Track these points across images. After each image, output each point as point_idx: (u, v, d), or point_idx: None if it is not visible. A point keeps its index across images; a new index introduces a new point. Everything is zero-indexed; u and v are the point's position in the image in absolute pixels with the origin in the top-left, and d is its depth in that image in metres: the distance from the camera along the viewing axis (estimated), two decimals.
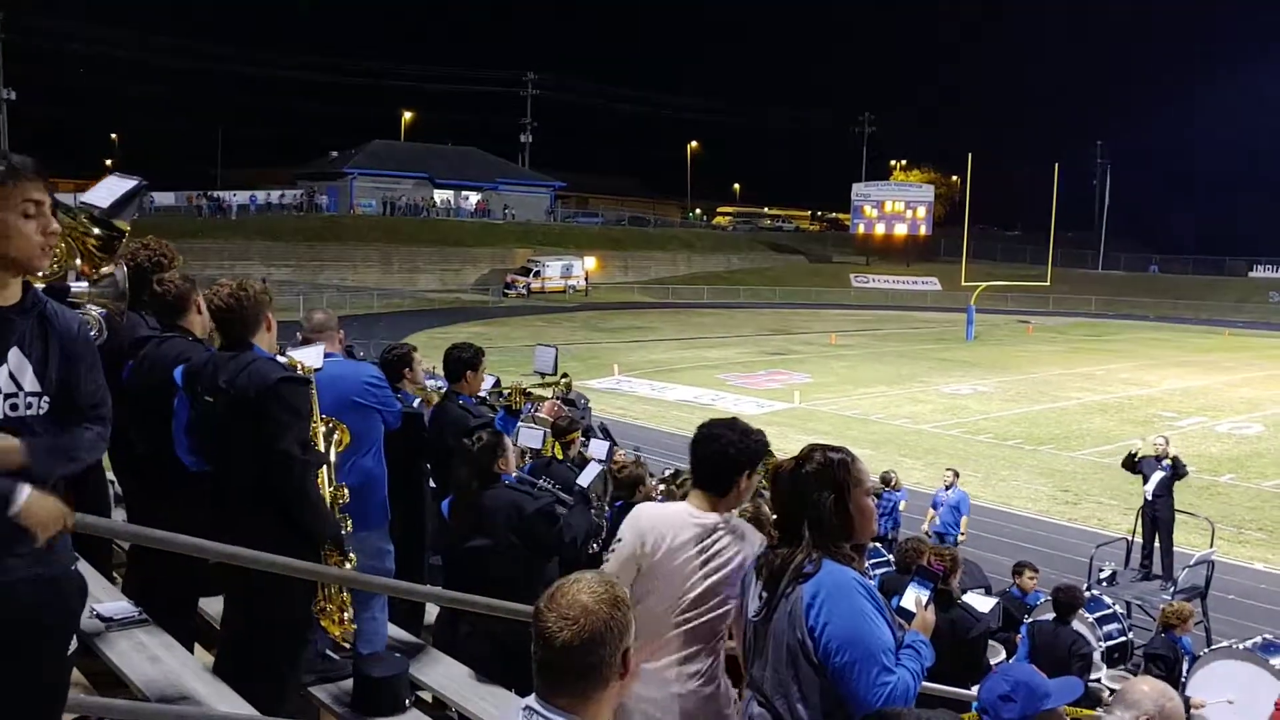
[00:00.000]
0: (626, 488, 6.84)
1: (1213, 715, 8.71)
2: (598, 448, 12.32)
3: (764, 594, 3.10)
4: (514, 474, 5.39)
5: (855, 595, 2.92)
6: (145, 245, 4.71)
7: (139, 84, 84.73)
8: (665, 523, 3.40)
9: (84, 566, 4.71)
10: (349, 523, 4.27)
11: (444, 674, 4.88)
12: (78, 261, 3.04)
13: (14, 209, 2.57)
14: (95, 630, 4.25)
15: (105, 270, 3.37)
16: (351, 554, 4.17)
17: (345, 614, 4.20)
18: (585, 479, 6.82)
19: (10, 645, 2.61)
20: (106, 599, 4.55)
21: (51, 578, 2.71)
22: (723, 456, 3.41)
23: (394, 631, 5.31)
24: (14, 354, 2.61)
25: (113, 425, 4.48)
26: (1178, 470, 13.83)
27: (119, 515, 5.29)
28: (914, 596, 3.17)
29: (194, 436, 4.11)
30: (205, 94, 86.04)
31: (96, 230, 3.03)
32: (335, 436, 4.40)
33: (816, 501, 3.01)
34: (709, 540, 3.35)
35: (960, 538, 14.53)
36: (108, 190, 3.11)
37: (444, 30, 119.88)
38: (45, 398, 2.68)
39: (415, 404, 6.16)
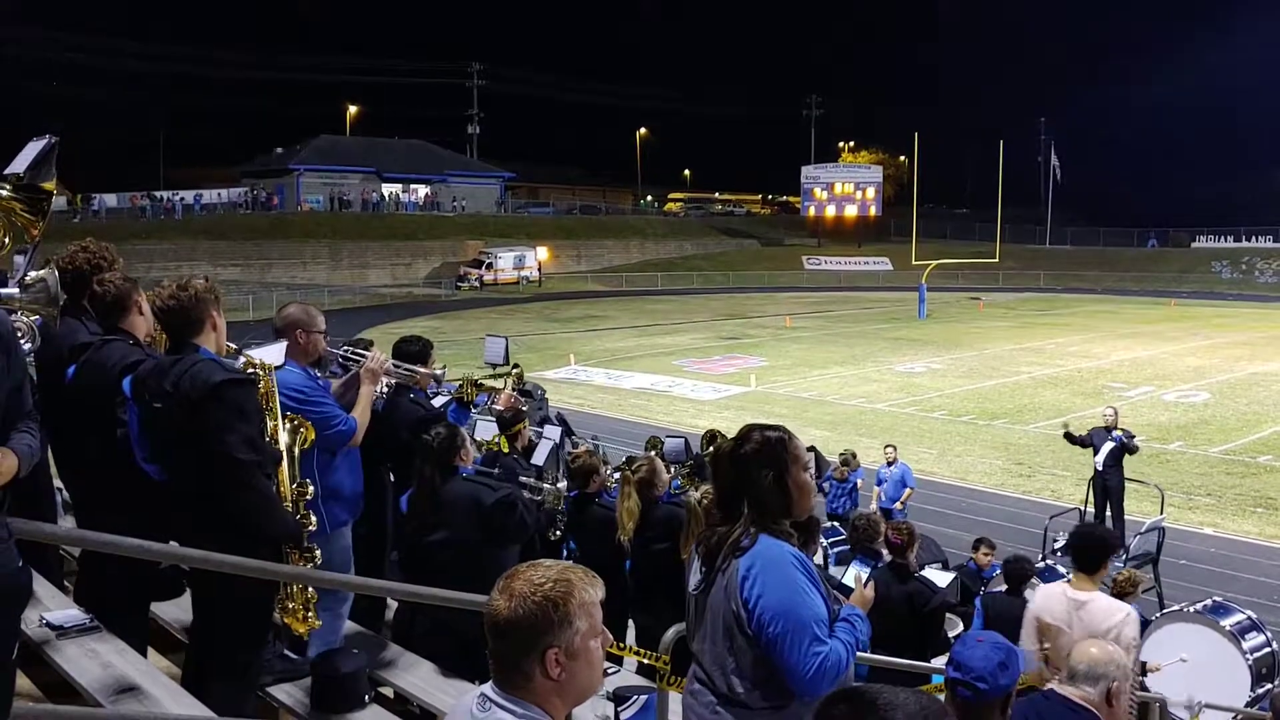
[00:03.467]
0: (580, 478, 6.83)
1: (1168, 674, 8.87)
2: (551, 432, 12.28)
3: (703, 569, 3.18)
4: (471, 466, 5.36)
5: (789, 568, 2.98)
6: (84, 248, 4.63)
7: (76, 85, 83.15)
8: (1052, 601, 4.92)
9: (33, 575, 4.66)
10: (313, 519, 4.20)
11: (404, 669, 4.86)
12: (6, 240, 3.00)
13: None
14: (45, 639, 4.18)
15: (36, 275, 3.31)
16: (317, 552, 4.12)
17: (310, 612, 4.15)
18: (539, 457, 6.81)
19: None
20: (56, 607, 4.49)
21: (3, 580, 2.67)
22: (1100, 545, 4.91)
23: (353, 628, 5.28)
24: None
25: (60, 431, 4.44)
26: (1127, 448, 14.07)
27: (68, 522, 5.22)
28: (854, 573, 3.26)
29: (145, 444, 4.05)
30: (145, 93, 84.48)
31: (20, 196, 2.98)
32: (301, 434, 4.33)
33: (756, 479, 3.08)
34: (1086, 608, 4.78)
35: (897, 506, 14.71)
36: (25, 156, 3.07)
37: (387, 22, 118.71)
38: None
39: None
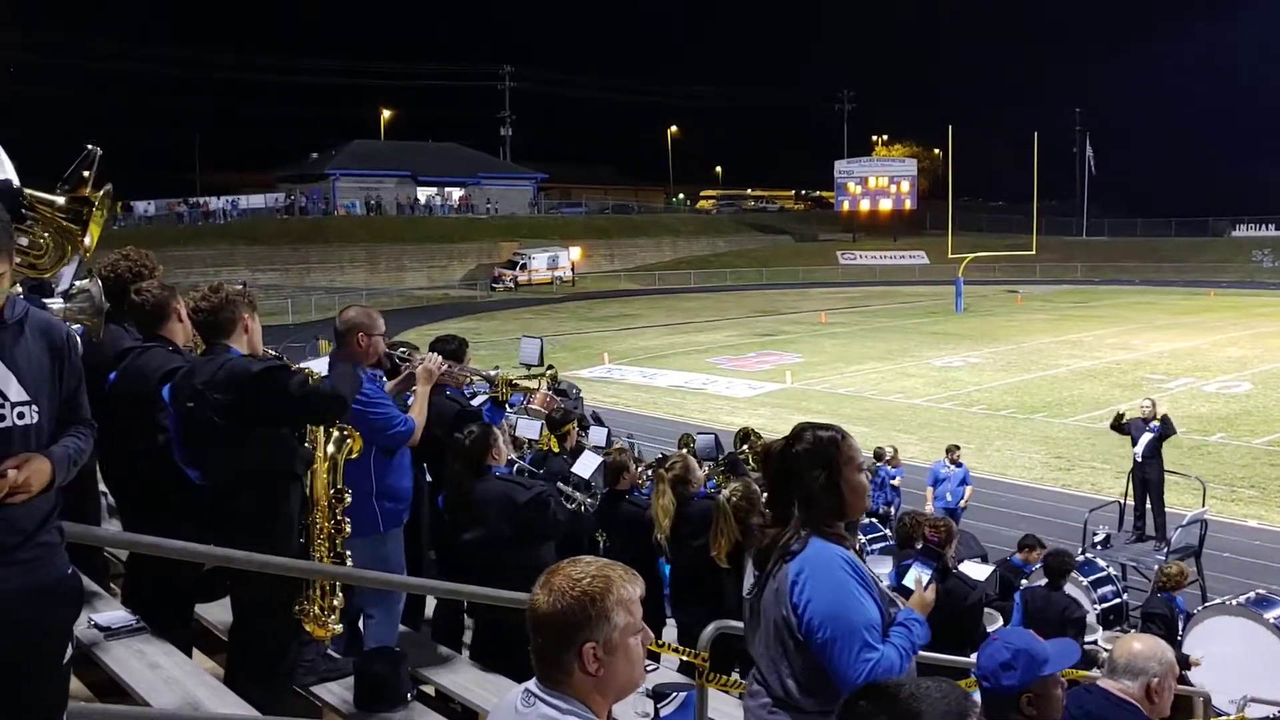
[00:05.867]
0: (611, 475, 6.87)
1: (1212, 667, 8.79)
2: (597, 435, 12.34)
3: (755, 573, 3.13)
4: (504, 464, 5.40)
5: (839, 572, 2.92)
6: (125, 256, 4.71)
7: (112, 90, 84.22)
8: None
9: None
10: (347, 525, 4.21)
11: (446, 667, 4.91)
12: (60, 255, 3.06)
13: None
14: (94, 640, 4.26)
15: (80, 285, 3.37)
16: (349, 554, 4.15)
17: (330, 616, 4.13)
18: (586, 470, 6.84)
19: (6, 657, 2.61)
20: (104, 609, 4.58)
21: (45, 588, 2.71)
22: None
23: None
24: None
25: (102, 436, 4.52)
26: (1166, 430, 13.91)
27: (114, 525, 5.31)
28: (915, 576, 3.20)
29: (182, 446, 4.10)
30: (181, 99, 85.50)
31: (61, 203, 3.03)
32: (347, 444, 4.35)
33: (808, 480, 3.01)
34: None
35: (961, 505, 14.62)
36: (72, 169, 3.13)
37: (419, 26, 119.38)
38: (34, 406, 2.67)
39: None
